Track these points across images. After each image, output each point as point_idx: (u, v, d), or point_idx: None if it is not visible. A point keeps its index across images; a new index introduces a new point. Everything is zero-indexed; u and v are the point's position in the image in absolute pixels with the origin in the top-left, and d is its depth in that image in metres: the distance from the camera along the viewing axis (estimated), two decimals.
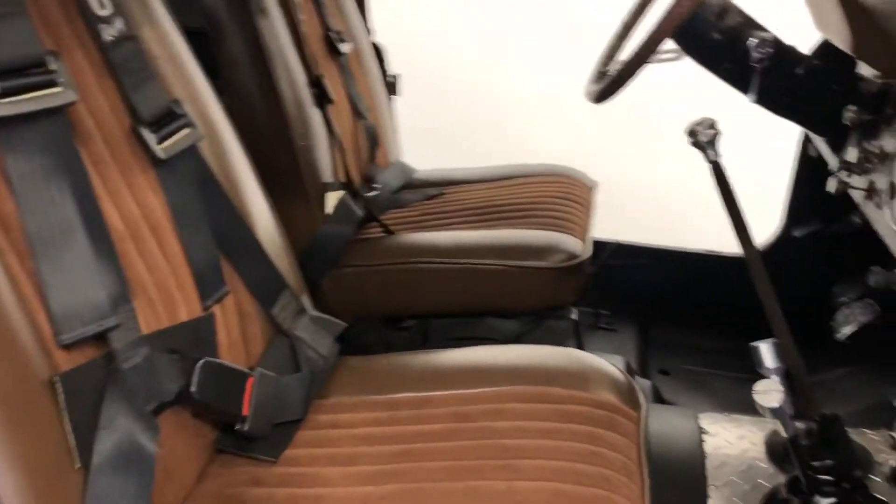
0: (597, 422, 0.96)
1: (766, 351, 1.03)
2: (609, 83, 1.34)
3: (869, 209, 1.26)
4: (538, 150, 2.30)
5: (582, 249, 1.48)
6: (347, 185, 1.58)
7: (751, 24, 1.38)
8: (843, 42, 1.33)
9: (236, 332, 1.05)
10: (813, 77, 1.33)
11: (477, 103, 2.77)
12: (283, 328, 1.12)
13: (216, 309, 1.01)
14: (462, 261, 1.47)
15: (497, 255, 1.46)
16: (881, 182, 1.23)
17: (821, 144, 1.49)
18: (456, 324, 1.61)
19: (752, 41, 1.35)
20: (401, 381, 1.10)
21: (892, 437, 1.43)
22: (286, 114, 1.44)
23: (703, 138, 1.23)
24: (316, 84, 1.51)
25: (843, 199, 1.76)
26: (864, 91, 1.30)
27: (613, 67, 1.53)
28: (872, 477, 1.34)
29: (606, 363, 1.09)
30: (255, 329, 1.09)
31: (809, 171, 1.86)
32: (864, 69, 1.31)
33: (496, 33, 2.80)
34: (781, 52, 1.35)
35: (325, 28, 1.67)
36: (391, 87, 2.02)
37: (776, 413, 1.10)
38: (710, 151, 1.24)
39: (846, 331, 1.65)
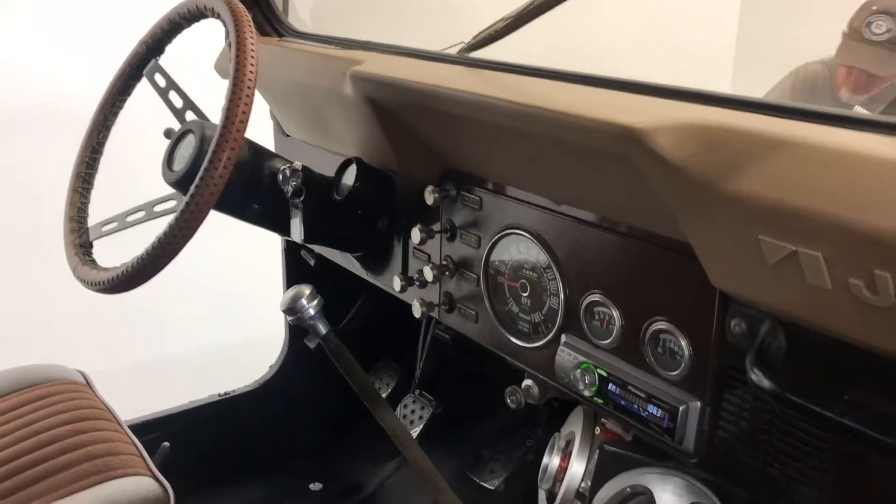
0: None
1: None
2: (133, 273, 0.97)
3: (451, 319, 1.20)
4: None
5: (159, 492, 1.06)
6: None
7: (267, 155, 1.18)
8: (382, 160, 1.22)
9: None
10: (353, 200, 1.20)
11: None
12: None
13: None
14: None
15: None
16: (458, 291, 1.18)
17: (352, 262, 1.37)
18: None
19: (280, 174, 1.15)
20: None
21: None
22: None
23: (309, 313, 1.00)
24: None
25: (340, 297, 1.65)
26: (402, 202, 1.23)
27: (94, 234, 1.16)
28: None
29: None
30: None
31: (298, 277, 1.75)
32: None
33: None
34: (313, 181, 1.18)
35: None
36: None
37: None
38: (319, 325, 1.01)
39: (418, 431, 1.61)
